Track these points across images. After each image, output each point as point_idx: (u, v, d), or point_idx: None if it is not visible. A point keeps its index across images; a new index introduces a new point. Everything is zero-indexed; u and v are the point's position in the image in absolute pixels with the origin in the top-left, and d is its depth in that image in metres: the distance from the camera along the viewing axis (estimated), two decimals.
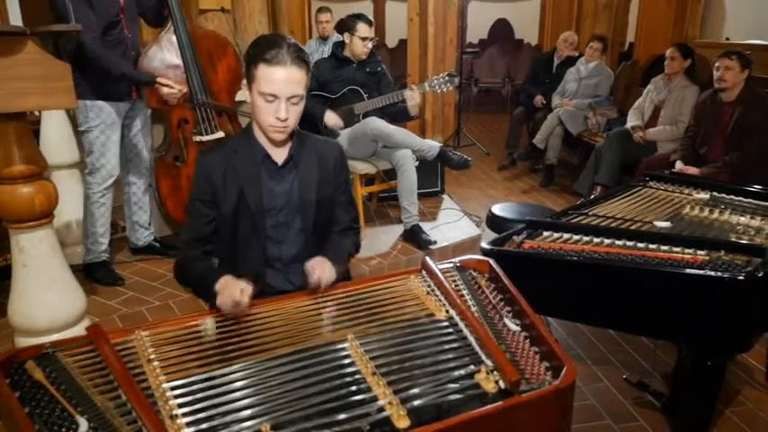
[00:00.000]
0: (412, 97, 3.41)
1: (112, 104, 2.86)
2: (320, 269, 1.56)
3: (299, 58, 1.59)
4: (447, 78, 3.44)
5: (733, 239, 1.93)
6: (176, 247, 3.28)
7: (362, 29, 3.51)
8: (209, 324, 1.41)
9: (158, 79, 2.90)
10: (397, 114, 3.59)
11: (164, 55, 3.11)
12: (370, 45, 3.55)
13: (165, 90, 2.93)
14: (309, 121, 3.50)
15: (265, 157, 1.72)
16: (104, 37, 2.74)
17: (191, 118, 3.20)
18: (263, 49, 1.57)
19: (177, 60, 3.12)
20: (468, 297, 1.55)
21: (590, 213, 2.23)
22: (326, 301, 1.53)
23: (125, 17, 2.83)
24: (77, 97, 2.70)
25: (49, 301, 2.16)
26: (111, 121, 2.87)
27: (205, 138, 3.20)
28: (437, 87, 3.46)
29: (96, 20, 2.67)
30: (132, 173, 3.16)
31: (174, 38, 3.11)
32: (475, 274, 1.66)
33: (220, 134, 3.23)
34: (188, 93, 3.09)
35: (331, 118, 3.52)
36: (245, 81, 1.66)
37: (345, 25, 3.59)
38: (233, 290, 1.44)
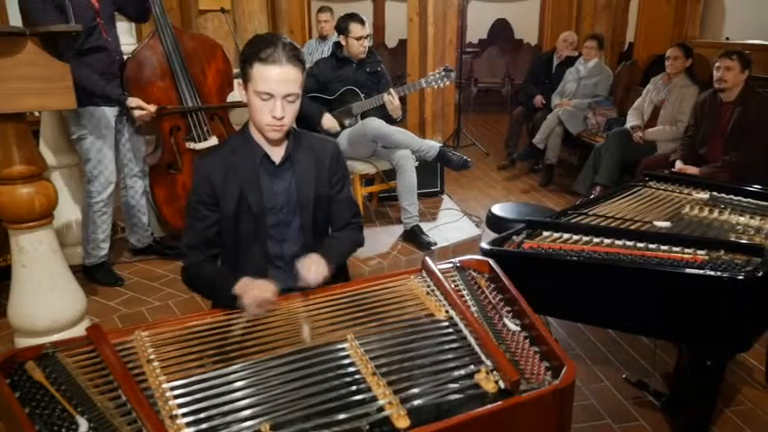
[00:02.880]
0: (390, 102, 3.39)
1: (103, 109, 2.81)
2: (312, 266, 1.58)
3: (295, 56, 1.59)
4: (443, 73, 3.42)
5: (733, 239, 1.93)
6: (176, 248, 3.29)
7: (355, 29, 3.51)
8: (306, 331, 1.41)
9: (128, 102, 2.81)
10: (388, 117, 3.59)
11: (150, 61, 3.04)
12: (366, 43, 3.56)
13: (136, 113, 2.84)
14: (308, 123, 3.50)
15: (264, 157, 1.72)
16: (84, 45, 2.67)
17: (182, 125, 3.16)
18: (258, 48, 1.57)
19: (164, 66, 3.05)
20: (467, 297, 1.56)
21: (590, 213, 2.23)
22: (327, 302, 1.53)
23: (102, 20, 2.74)
24: None
25: (49, 302, 2.16)
26: (104, 125, 2.83)
27: (198, 145, 3.16)
28: (434, 83, 3.44)
29: None
30: (128, 177, 3.12)
31: (159, 43, 3.04)
32: (475, 274, 1.66)
33: (214, 141, 3.19)
34: (176, 99, 3.04)
35: (327, 121, 3.52)
36: (240, 81, 1.66)
37: (339, 28, 3.59)
38: (256, 292, 1.46)
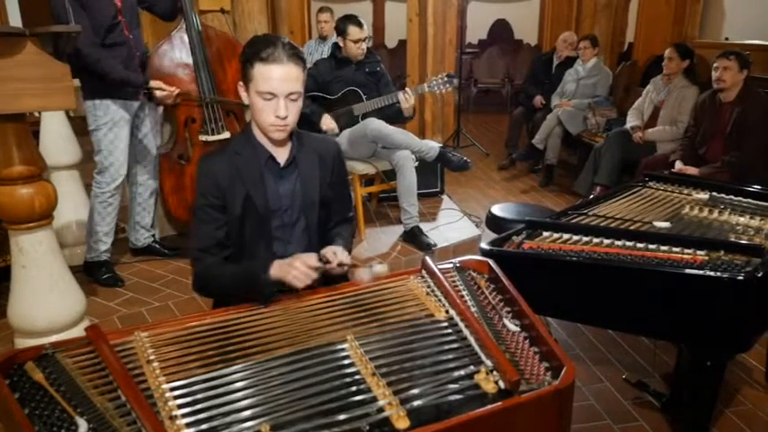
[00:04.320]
0: (406, 100, 3.43)
1: (120, 103, 2.87)
2: (340, 254, 1.60)
3: (295, 55, 1.59)
4: (446, 79, 3.45)
5: (732, 239, 1.93)
6: (176, 248, 3.31)
7: (353, 32, 3.52)
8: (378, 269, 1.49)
9: (151, 83, 2.91)
10: (393, 116, 3.60)
11: (174, 53, 3.14)
12: (363, 46, 3.56)
13: (158, 93, 2.94)
14: (308, 124, 3.50)
15: (269, 158, 1.72)
16: (105, 40, 2.75)
17: (198, 117, 3.21)
18: (258, 49, 1.57)
19: (187, 59, 3.14)
20: (467, 297, 1.55)
21: (589, 213, 2.23)
22: (327, 302, 1.53)
23: (124, 19, 2.83)
24: (86, 97, 2.75)
25: (49, 303, 2.16)
26: (119, 118, 2.88)
27: (210, 138, 3.21)
28: (436, 88, 3.47)
29: (92, 23, 2.67)
30: (140, 174, 3.17)
31: (185, 36, 3.14)
32: (474, 274, 1.66)
33: (226, 135, 3.24)
34: (196, 91, 3.11)
35: (327, 122, 3.52)
36: (240, 82, 1.66)
37: (338, 29, 3.61)
38: (297, 264, 1.51)
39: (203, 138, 3.21)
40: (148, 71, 3.03)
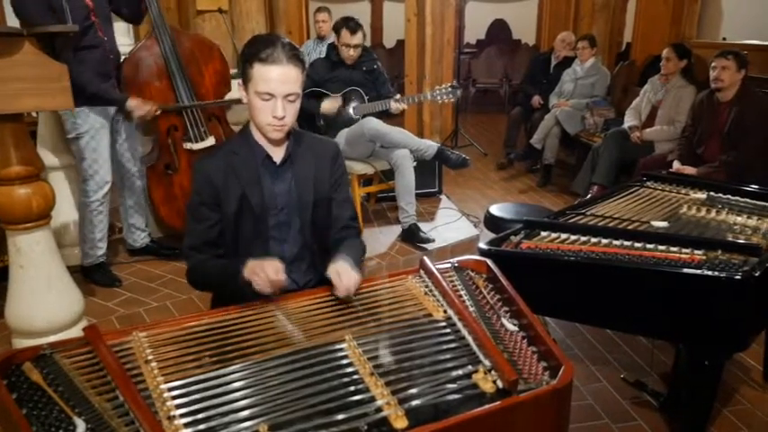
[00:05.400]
0: (397, 109, 3.48)
1: (98, 109, 2.81)
2: (346, 276, 1.53)
3: (295, 56, 1.59)
4: (450, 89, 3.46)
5: (730, 239, 1.93)
6: (173, 248, 3.29)
7: (343, 36, 3.51)
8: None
9: (128, 104, 2.83)
10: (382, 113, 3.61)
11: (147, 61, 3.05)
12: (352, 52, 3.54)
13: (137, 113, 2.87)
14: (308, 119, 3.51)
15: (266, 157, 1.72)
16: (80, 43, 2.68)
17: (179, 125, 3.16)
18: (258, 49, 1.57)
19: (161, 66, 3.06)
20: (465, 297, 1.55)
21: (587, 213, 2.23)
22: (325, 302, 1.53)
23: (97, 19, 2.74)
24: None
25: (47, 303, 2.16)
26: (100, 125, 2.83)
27: (195, 146, 3.16)
28: (439, 98, 3.48)
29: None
30: (126, 177, 3.13)
31: (156, 43, 3.06)
32: (473, 274, 1.66)
33: (211, 141, 3.19)
34: (173, 98, 3.05)
35: (327, 104, 3.51)
36: (240, 81, 1.66)
37: (334, 30, 3.61)
38: (267, 270, 1.48)
39: (188, 146, 3.16)
40: (123, 80, 2.95)
